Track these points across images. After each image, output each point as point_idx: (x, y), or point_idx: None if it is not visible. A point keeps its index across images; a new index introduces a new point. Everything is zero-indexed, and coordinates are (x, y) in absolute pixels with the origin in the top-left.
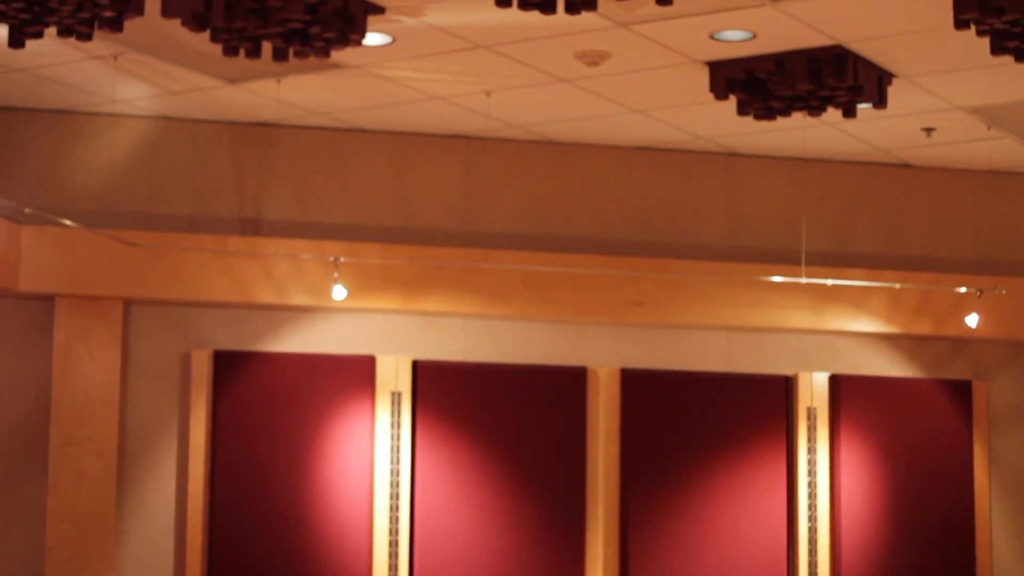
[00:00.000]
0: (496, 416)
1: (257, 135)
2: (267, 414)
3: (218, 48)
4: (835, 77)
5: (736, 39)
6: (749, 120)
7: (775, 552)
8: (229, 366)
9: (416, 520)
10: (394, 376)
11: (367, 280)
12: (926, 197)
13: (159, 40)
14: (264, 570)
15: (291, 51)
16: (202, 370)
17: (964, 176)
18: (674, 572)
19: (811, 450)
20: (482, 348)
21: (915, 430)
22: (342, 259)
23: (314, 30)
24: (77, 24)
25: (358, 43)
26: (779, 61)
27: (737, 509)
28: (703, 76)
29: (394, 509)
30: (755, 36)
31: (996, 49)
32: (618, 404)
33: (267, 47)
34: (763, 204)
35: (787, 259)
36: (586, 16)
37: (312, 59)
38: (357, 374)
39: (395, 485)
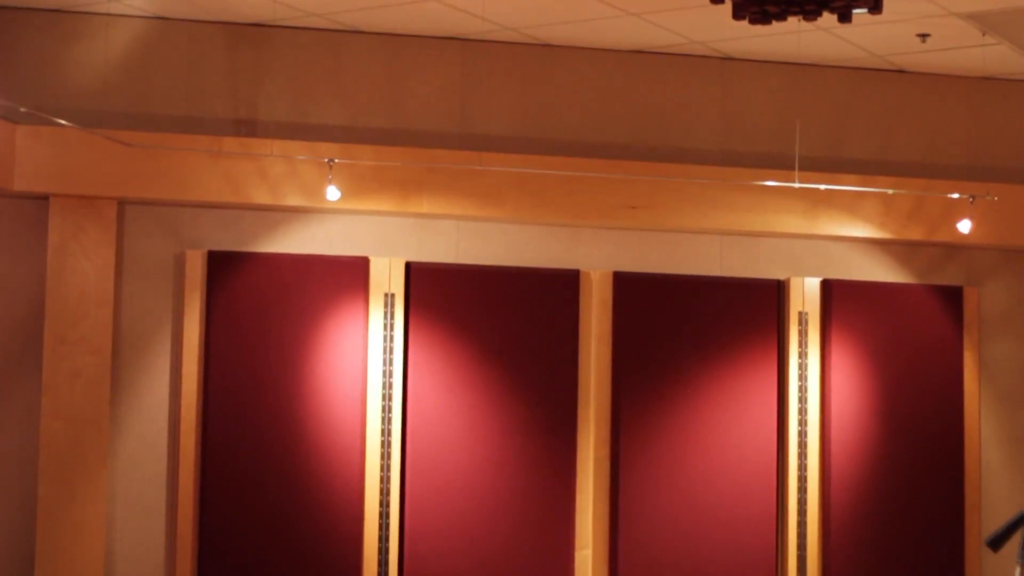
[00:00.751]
0: (489, 318)
1: (253, 36)
2: (261, 314)
3: None
4: None
5: None
6: (744, 24)
7: (765, 455)
8: (223, 266)
9: (408, 421)
10: (387, 277)
11: (361, 182)
12: (920, 103)
13: None
14: (256, 468)
15: None
16: (196, 270)
17: (958, 83)
18: (665, 474)
19: (802, 354)
20: (475, 250)
21: (906, 335)
22: (336, 160)
23: None
24: None
25: None
26: None
27: (728, 412)
28: None
29: (386, 410)
30: None
31: None
32: (610, 307)
33: None
34: (757, 109)
35: (780, 164)
36: None
37: None
38: (351, 275)
39: (388, 386)
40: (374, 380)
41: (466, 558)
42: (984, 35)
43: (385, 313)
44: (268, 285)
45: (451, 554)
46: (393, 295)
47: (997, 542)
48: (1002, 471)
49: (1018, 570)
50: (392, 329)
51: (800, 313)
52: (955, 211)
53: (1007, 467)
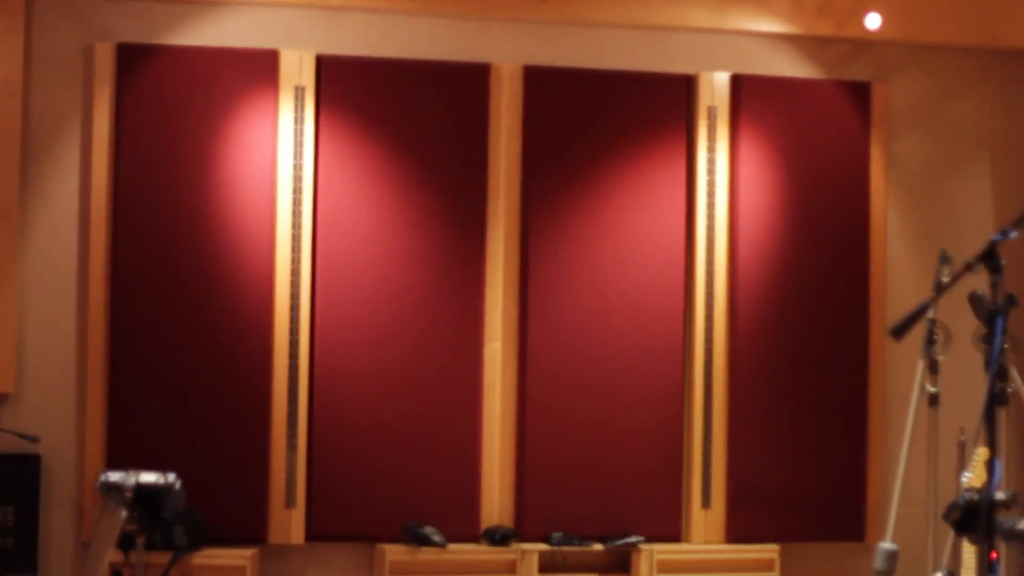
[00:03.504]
0: (399, 112)
1: None
2: (171, 108)
3: None
4: None
5: None
6: None
7: (673, 248)
8: (133, 59)
9: (319, 214)
10: (298, 71)
11: None
12: None
13: None
14: (167, 260)
15: None
16: (105, 63)
17: None
18: (575, 267)
19: (711, 149)
20: (385, 43)
21: (814, 131)
22: None
23: None
24: None
25: None
26: None
27: (637, 207)
28: None
29: (297, 203)
30: None
31: None
32: (521, 101)
33: None
34: None
35: None
36: None
37: None
38: (260, 68)
39: (298, 180)
40: (284, 174)
41: (376, 349)
42: None
43: (295, 106)
44: (178, 78)
45: (361, 345)
46: (303, 88)
47: (899, 331)
48: (907, 265)
49: (922, 363)
50: (302, 123)
51: (709, 108)
52: (864, 5)
53: (912, 261)
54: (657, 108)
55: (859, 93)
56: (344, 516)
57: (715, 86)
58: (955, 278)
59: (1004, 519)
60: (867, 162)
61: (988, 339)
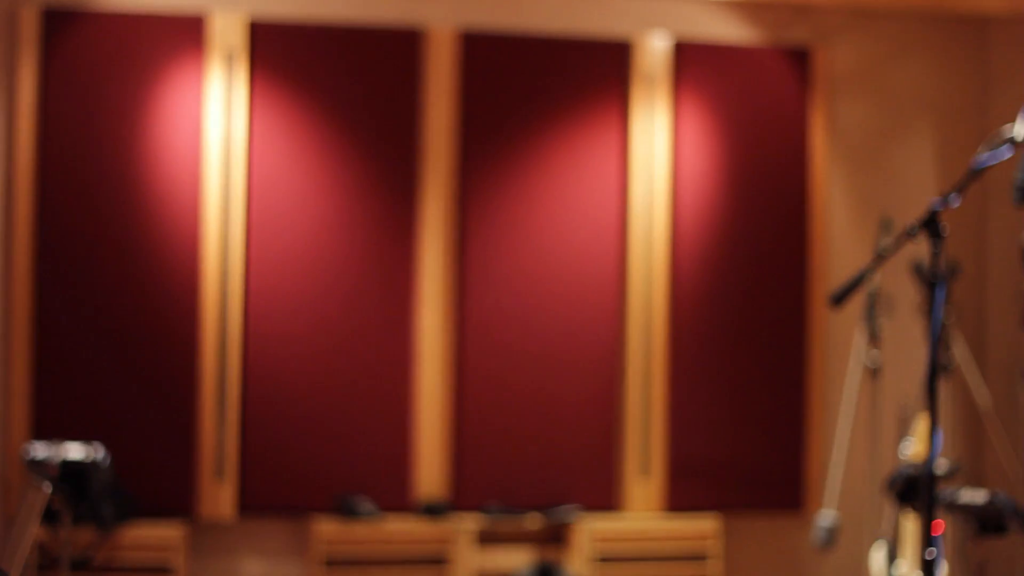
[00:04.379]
0: (333, 78)
1: None
2: (97, 74)
3: None
4: None
5: None
6: None
7: (611, 216)
8: (58, 24)
9: (250, 182)
10: (228, 36)
11: None
12: None
13: None
14: (92, 228)
15: None
16: (30, 28)
17: None
18: (511, 235)
19: (649, 116)
20: (319, 8)
21: (754, 97)
22: None
23: None
24: None
25: None
26: None
27: (575, 174)
28: None
29: (227, 171)
30: None
31: None
32: (456, 67)
33: None
34: None
35: None
36: None
37: None
38: (190, 33)
39: (228, 146)
40: (214, 140)
41: (309, 318)
42: None
43: (226, 72)
44: (105, 44)
45: (294, 314)
46: (234, 54)
47: (839, 298)
48: (848, 233)
49: (862, 333)
50: (233, 88)
51: (648, 74)
52: None
53: (854, 229)
54: (595, 74)
55: (800, 58)
56: (276, 488)
57: (654, 52)
58: (895, 245)
59: (945, 490)
60: (808, 128)
61: (930, 308)
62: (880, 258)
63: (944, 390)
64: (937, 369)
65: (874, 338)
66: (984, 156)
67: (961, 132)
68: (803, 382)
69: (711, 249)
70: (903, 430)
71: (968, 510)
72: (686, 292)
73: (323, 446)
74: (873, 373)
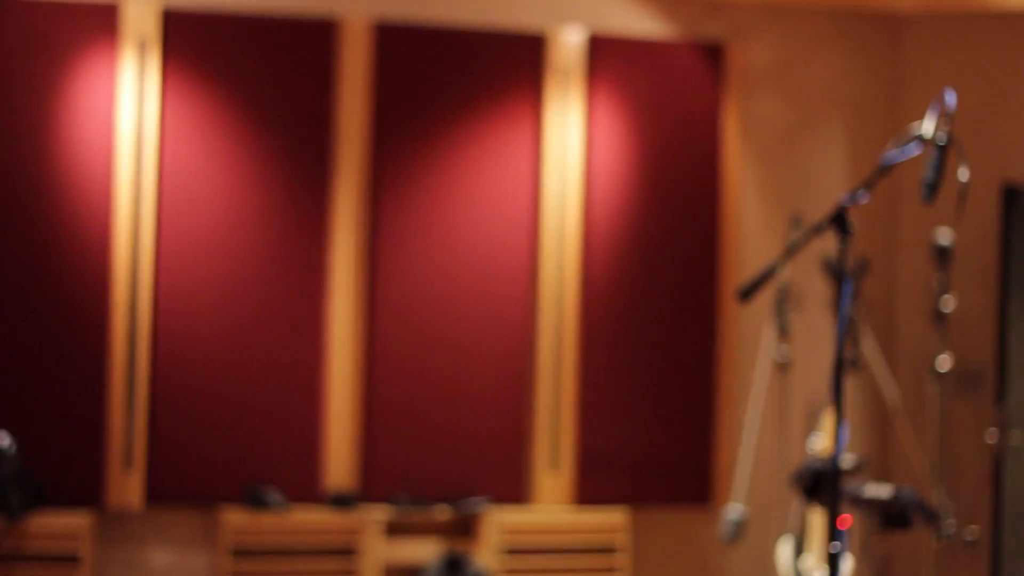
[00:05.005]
0: (246, 68)
1: None
2: (9, 62)
3: None
4: None
5: None
6: None
7: (524, 209)
8: None
9: (162, 173)
10: (141, 24)
11: None
12: None
13: None
14: (1, 214)
15: None
16: None
17: None
18: (424, 228)
19: (563, 110)
20: None
21: (668, 92)
22: None
23: None
24: None
25: None
26: None
27: (488, 167)
28: None
29: (139, 161)
30: None
31: None
32: (370, 58)
33: None
34: None
35: None
36: None
37: None
38: (103, 21)
39: (140, 136)
40: (126, 130)
41: (220, 307)
42: None
43: (138, 61)
44: (17, 32)
45: (204, 303)
46: (147, 42)
47: (747, 293)
48: (760, 228)
49: (772, 327)
50: (145, 78)
51: (562, 68)
52: None
53: (765, 225)
54: (509, 67)
55: (713, 54)
56: (184, 478)
57: (568, 46)
58: (803, 241)
59: (851, 485)
60: (721, 124)
61: (837, 303)
62: (788, 253)
63: (852, 385)
64: (843, 364)
65: (783, 333)
66: (892, 153)
67: (873, 129)
68: (713, 377)
69: (623, 243)
70: (811, 425)
71: (873, 505)
72: (598, 286)
73: (232, 436)
74: (782, 368)
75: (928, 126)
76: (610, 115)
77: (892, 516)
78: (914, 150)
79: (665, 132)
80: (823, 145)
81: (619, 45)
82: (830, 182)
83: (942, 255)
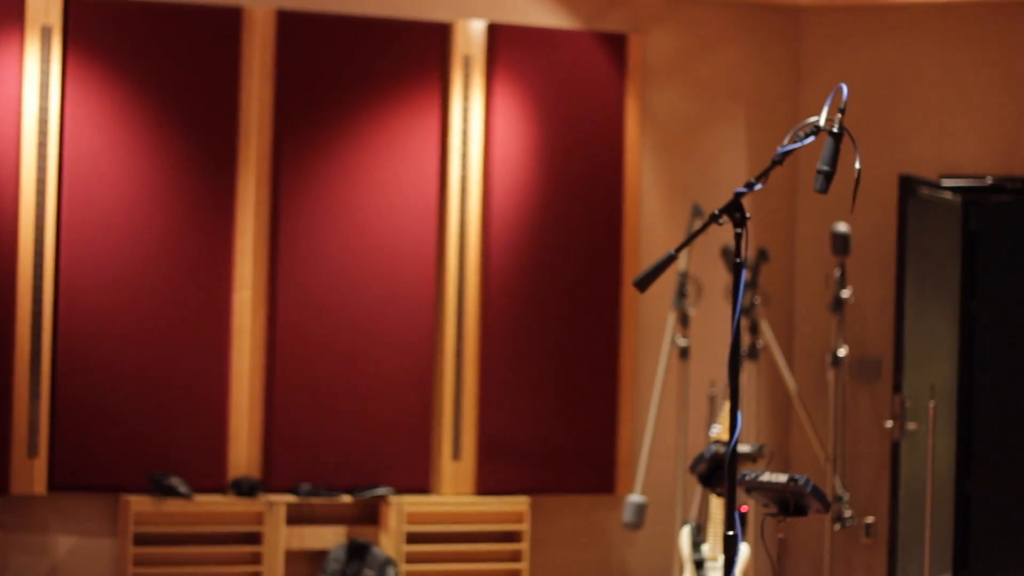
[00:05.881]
0: (150, 55)
1: None
2: None
3: None
4: None
5: None
6: None
7: (427, 198)
8: None
9: (65, 159)
10: (44, 10)
11: None
12: None
13: None
14: None
15: None
16: None
17: None
18: (327, 216)
19: (466, 99)
20: None
21: (571, 82)
22: None
23: None
24: None
25: None
26: None
27: (391, 156)
28: None
29: (43, 147)
30: None
31: None
32: (274, 46)
33: None
34: None
35: None
36: None
37: None
38: (6, 7)
39: (44, 123)
40: (29, 116)
41: (123, 295)
42: None
43: (42, 47)
44: None
45: (108, 292)
46: (50, 29)
47: (643, 282)
48: (661, 218)
49: (672, 316)
50: (49, 63)
51: (465, 57)
52: None
53: (666, 215)
54: (413, 56)
55: (615, 45)
56: (89, 466)
57: (471, 35)
58: (699, 230)
59: (747, 471)
60: (623, 115)
61: (733, 292)
62: (684, 243)
63: (753, 374)
64: (738, 351)
65: (684, 321)
66: (788, 143)
67: (773, 120)
68: (615, 365)
69: (526, 232)
70: (712, 413)
71: (768, 491)
72: (500, 275)
73: (136, 424)
74: (683, 356)
75: (823, 117)
76: (513, 105)
77: (787, 503)
78: (808, 140)
79: (568, 122)
80: (724, 135)
81: (522, 35)
82: (731, 172)
83: (841, 245)
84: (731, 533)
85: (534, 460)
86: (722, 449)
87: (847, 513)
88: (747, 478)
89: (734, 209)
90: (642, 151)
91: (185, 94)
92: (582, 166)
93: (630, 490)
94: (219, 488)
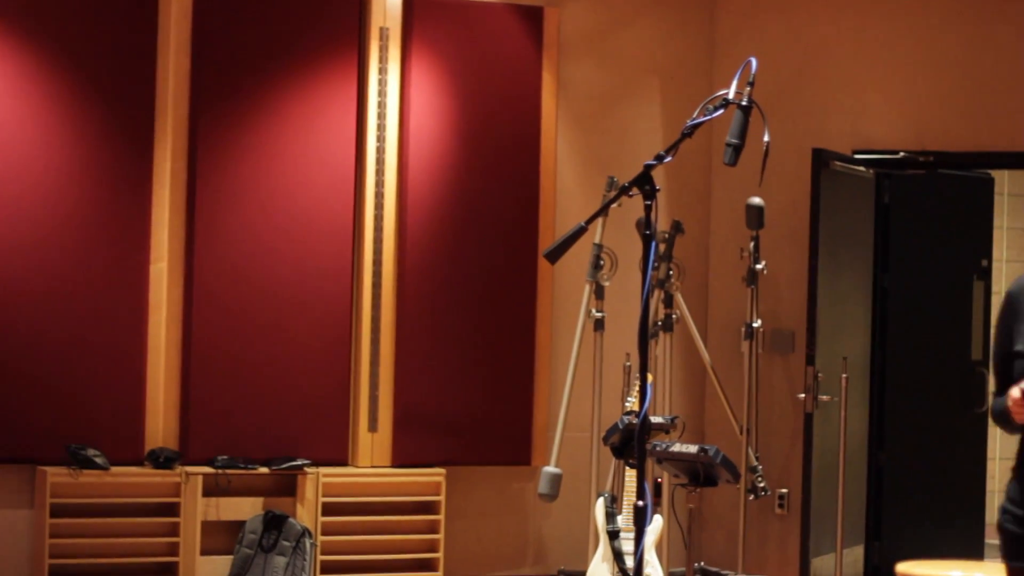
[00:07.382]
0: (64, 24)
1: None
2: None
3: None
4: None
5: None
6: None
7: (343, 170)
8: None
9: None
10: None
11: None
12: None
13: None
14: None
15: None
16: None
17: None
18: (244, 187)
19: (382, 71)
20: None
21: (488, 55)
22: None
23: None
24: None
25: None
26: None
27: (308, 127)
28: None
29: None
30: None
31: None
32: (190, 14)
33: None
34: None
35: None
36: None
37: None
38: None
39: None
40: None
41: (38, 267)
42: None
43: None
44: None
45: (23, 262)
46: None
47: (554, 254)
48: (577, 191)
49: (588, 288)
50: None
51: (381, 29)
52: None
53: (582, 187)
54: (329, 27)
55: (532, 17)
56: (5, 438)
57: (387, 6)
58: (609, 203)
59: (659, 442)
60: (539, 88)
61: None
62: (595, 215)
63: (668, 346)
64: (647, 323)
65: (599, 293)
66: (697, 116)
67: (688, 93)
68: (531, 337)
69: (443, 204)
70: (627, 384)
71: (679, 462)
72: (417, 246)
73: (53, 396)
74: (597, 327)
75: (732, 90)
76: (430, 77)
77: (698, 473)
78: (718, 114)
79: (485, 94)
80: (639, 109)
81: (439, 7)
82: (646, 146)
83: (755, 218)
84: (641, 504)
85: (450, 432)
86: (635, 420)
87: (761, 484)
88: (658, 448)
89: (644, 181)
90: (558, 124)
91: (101, 63)
92: (499, 139)
93: (546, 461)
94: (136, 460)
